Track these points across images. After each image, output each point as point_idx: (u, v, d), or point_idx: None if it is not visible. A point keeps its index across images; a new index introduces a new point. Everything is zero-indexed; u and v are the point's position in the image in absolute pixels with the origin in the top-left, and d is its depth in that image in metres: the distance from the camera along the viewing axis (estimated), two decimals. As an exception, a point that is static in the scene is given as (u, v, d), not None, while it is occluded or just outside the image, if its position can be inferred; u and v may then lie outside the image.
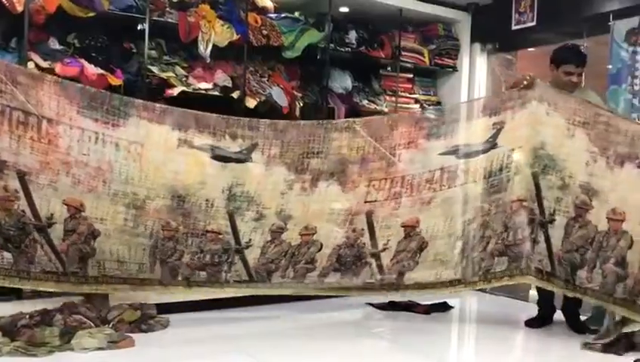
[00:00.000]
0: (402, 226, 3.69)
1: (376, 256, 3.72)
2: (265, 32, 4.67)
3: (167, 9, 4.35)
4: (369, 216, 3.65)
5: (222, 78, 4.55)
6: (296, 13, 5.00)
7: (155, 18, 4.25)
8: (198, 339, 3.39)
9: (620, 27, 4.26)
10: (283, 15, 4.89)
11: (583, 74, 3.73)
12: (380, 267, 3.74)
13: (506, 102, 3.67)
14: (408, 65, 5.50)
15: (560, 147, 3.54)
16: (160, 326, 3.49)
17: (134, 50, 4.37)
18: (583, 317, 3.93)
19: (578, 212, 3.54)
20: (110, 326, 3.32)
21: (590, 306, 4.07)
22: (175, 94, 4.23)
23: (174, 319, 3.60)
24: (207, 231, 3.53)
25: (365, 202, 3.63)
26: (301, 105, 4.87)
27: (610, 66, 4.33)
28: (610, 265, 3.46)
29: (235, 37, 4.50)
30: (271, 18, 4.79)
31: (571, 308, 3.91)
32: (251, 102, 4.59)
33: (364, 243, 3.70)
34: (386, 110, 5.30)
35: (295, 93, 4.91)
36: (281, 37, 4.74)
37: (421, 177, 3.63)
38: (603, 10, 4.46)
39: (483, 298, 5.00)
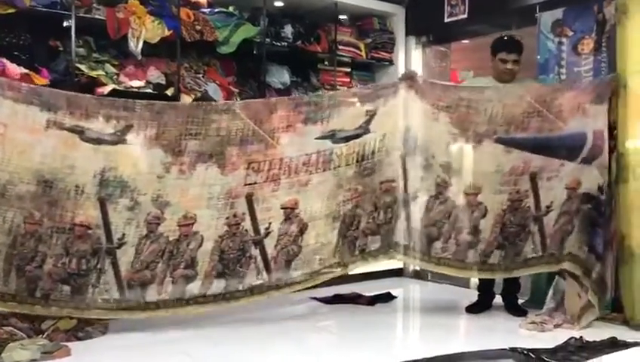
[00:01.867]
0: (282, 208, 3.69)
1: (260, 243, 3.66)
2: (198, 28, 4.57)
3: (95, 5, 4.17)
4: (249, 198, 3.60)
5: (155, 75, 4.43)
6: (231, 8, 4.91)
7: (81, 14, 4.09)
8: (137, 344, 3.30)
9: (546, 19, 4.39)
10: (217, 10, 4.79)
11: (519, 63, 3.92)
12: (265, 260, 3.67)
13: (379, 91, 3.94)
14: (345, 59, 5.51)
15: (425, 130, 3.85)
16: (98, 332, 3.39)
17: (61, 48, 4.19)
18: (520, 301, 4.07)
19: (438, 189, 3.85)
20: (44, 336, 3.19)
21: (528, 290, 4.22)
22: (106, 93, 4.07)
23: (113, 324, 3.49)
24: (75, 225, 3.27)
25: (245, 185, 3.59)
26: (239, 100, 4.80)
27: (538, 57, 4.47)
28: (464, 235, 3.81)
29: (167, 33, 4.37)
30: (204, 13, 4.69)
31: (510, 292, 4.04)
32: (186, 99, 4.48)
33: (246, 231, 3.63)
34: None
35: (232, 88, 4.83)
36: (215, 32, 4.64)
37: (298, 160, 3.68)
38: (530, 3, 4.60)
39: (425, 286, 5.10)
